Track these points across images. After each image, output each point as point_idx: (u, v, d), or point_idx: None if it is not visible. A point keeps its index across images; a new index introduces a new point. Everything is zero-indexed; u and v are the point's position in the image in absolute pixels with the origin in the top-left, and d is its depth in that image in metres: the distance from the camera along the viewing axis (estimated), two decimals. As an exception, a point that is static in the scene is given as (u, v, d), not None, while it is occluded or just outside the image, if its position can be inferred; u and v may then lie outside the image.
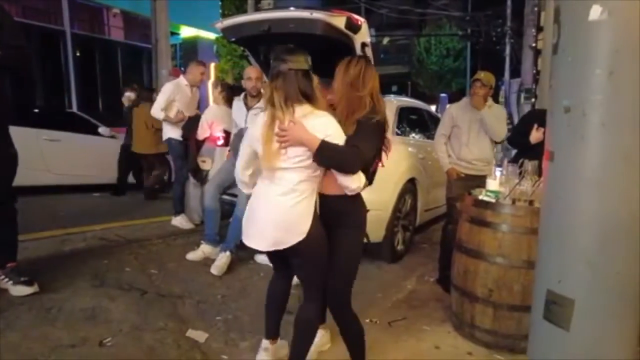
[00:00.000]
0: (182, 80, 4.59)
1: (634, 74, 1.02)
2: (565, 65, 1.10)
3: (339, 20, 3.33)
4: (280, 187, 1.81)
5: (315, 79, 1.85)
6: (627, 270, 1.10)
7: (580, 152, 1.08)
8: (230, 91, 4.30)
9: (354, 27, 3.39)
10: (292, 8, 3.58)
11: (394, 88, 22.07)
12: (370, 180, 2.00)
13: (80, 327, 2.42)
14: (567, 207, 1.12)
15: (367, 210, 2.03)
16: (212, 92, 4.47)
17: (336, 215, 1.93)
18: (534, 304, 1.25)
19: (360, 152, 1.77)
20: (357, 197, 1.96)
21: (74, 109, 9.95)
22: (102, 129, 6.79)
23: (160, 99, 4.46)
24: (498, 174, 2.84)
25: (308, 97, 1.81)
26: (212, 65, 14.95)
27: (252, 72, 3.67)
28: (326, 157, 1.74)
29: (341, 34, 3.41)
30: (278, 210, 1.81)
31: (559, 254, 1.15)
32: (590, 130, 1.06)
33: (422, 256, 4.32)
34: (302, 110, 1.79)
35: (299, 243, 1.81)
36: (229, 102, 4.12)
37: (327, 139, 1.73)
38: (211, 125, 4.10)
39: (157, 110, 4.44)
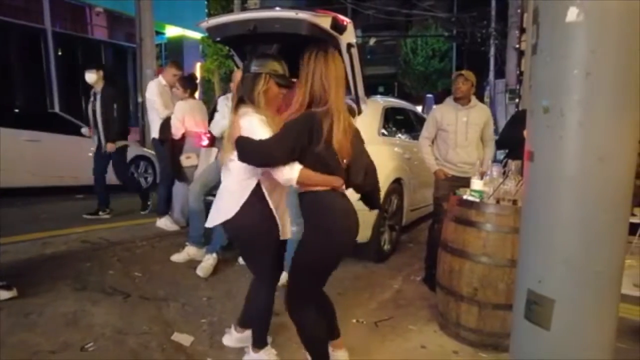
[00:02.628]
0: (161, 79, 4.57)
1: (609, 74, 1.03)
2: (544, 66, 1.10)
3: (324, 21, 3.32)
4: (226, 173, 2.03)
5: (262, 83, 1.97)
6: (606, 270, 1.11)
7: (558, 152, 1.09)
8: (187, 81, 4.30)
9: (339, 28, 3.39)
10: (277, 8, 3.56)
11: (381, 89, 22.15)
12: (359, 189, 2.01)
13: (60, 332, 2.37)
14: (547, 206, 1.12)
15: (341, 219, 1.88)
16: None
17: (302, 213, 1.96)
18: (515, 303, 1.25)
19: (259, 145, 1.80)
20: (318, 198, 1.85)
21: (56, 109, 9.74)
22: (84, 130, 6.66)
23: (157, 101, 4.43)
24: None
25: (250, 100, 1.95)
26: (198, 65, 14.88)
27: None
28: (238, 151, 1.85)
29: (327, 35, 3.40)
30: (220, 191, 2.07)
31: (539, 254, 1.15)
32: (568, 131, 1.06)
33: (409, 256, 4.33)
34: (242, 110, 1.96)
35: (225, 223, 1.97)
36: (192, 93, 4.22)
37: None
38: (183, 122, 4.07)
39: (163, 112, 4.41)
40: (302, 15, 3.26)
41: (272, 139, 1.79)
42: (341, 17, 3.39)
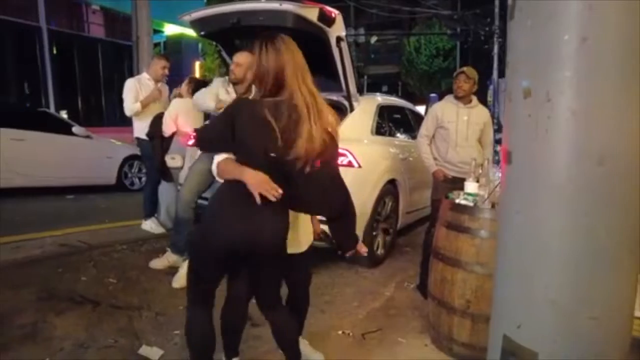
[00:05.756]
0: (144, 75, 4.41)
1: (614, 39, 0.69)
2: (524, 33, 0.78)
3: (311, 12, 3.15)
4: None
5: None
6: (605, 317, 0.78)
7: (544, 151, 0.77)
8: (199, 84, 4.05)
9: (327, 20, 3.22)
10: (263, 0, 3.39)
11: (385, 88, 22.02)
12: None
13: (13, 347, 2.18)
14: (528, 226, 0.81)
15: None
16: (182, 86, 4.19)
17: None
18: (489, 353, 0.96)
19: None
20: (220, 188, 1.69)
21: (52, 108, 9.62)
22: (76, 129, 6.54)
23: (129, 97, 4.24)
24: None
25: None
26: (198, 64, 14.74)
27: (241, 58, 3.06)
28: None
29: (314, 27, 3.22)
30: None
31: (519, 291, 0.85)
32: (557, 122, 0.75)
33: (404, 260, 4.15)
34: None
35: None
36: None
37: None
38: (176, 120, 3.85)
39: (129, 109, 4.22)
40: (287, 6, 3.09)
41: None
42: (329, 8, 3.21)
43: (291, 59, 1.58)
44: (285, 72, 1.56)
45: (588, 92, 0.73)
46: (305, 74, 1.59)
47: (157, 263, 3.45)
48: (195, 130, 1.74)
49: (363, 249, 1.90)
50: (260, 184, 1.54)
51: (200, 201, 3.56)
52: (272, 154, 1.54)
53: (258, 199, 1.54)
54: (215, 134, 1.66)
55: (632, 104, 0.73)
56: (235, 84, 3.10)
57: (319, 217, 2.11)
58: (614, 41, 0.71)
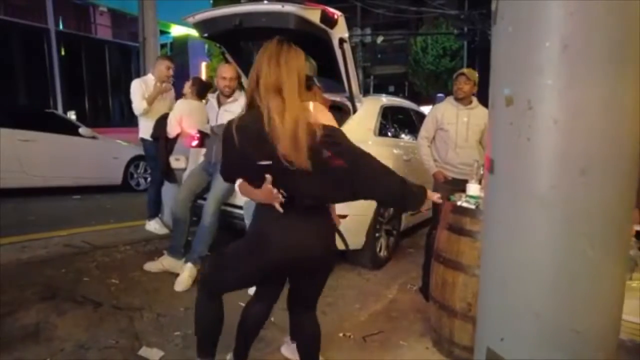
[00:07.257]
0: (149, 76, 4.43)
1: (596, 46, 0.68)
2: (505, 39, 0.79)
3: (313, 14, 3.15)
4: None
5: None
6: (588, 328, 0.76)
7: (525, 160, 0.75)
8: (202, 86, 4.07)
9: (329, 21, 3.21)
10: (265, 1, 3.39)
11: (391, 88, 21.96)
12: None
13: (15, 347, 2.19)
14: (510, 236, 0.79)
15: None
16: (185, 87, 4.20)
17: None
18: (474, 363, 0.96)
19: None
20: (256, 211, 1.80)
21: (60, 109, 9.72)
22: (82, 130, 6.60)
23: (136, 97, 4.26)
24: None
25: None
26: (204, 65, 14.80)
27: (226, 71, 3.42)
28: None
29: (316, 29, 3.22)
30: None
31: (502, 303, 0.83)
32: (538, 130, 0.73)
33: (408, 262, 4.12)
34: None
35: None
36: (199, 97, 3.93)
37: None
38: (180, 121, 3.86)
39: (137, 108, 4.24)
40: (289, 8, 3.09)
41: None
42: (331, 9, 3.21)
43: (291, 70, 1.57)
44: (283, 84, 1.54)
45: (570, 100, 0.72)
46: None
47: (152, 266, 3.41)
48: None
49: (435, 196, 1.81)
50: (266, 195, 1.58)
51: (201, 202, 3.58)
52: (261, 163, 1.55)
53: (279, 208, 1.58)
54: (226, 163, 1.71)
55: (615, 113, 0.71)
56: (226, 95, 3.41)
57: (338, 213, 2.14)
58: (595, 49, 0.70)
